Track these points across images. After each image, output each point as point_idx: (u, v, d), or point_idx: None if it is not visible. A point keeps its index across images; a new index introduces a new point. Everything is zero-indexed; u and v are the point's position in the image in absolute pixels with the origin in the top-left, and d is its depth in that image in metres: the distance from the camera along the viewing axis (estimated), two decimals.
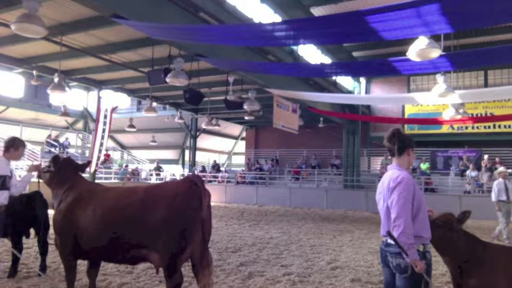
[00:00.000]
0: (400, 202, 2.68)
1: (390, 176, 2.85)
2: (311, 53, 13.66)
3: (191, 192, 3.69)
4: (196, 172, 22.13)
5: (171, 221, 3.55)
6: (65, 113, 16.38)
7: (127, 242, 3.65)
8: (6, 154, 4.60)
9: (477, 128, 17.89)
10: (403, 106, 19.36)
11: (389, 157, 3.03)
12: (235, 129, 28.21)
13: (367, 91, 20.15)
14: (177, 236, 3.55)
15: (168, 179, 21.24)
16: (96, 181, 14.02)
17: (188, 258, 3.74)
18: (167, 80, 9.54)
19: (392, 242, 2.74)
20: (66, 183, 4.22)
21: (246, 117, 16.01)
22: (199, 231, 3.68)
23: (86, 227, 3.80)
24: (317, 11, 12.09)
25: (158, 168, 22.61)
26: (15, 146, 4.62)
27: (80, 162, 4.88)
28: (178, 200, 3.64)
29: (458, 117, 12.40)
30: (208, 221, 3.83)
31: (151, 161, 24.57)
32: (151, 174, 22.46)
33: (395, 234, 2.65)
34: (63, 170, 4.34)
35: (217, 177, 21.68)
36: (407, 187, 2.73)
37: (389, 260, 2.78)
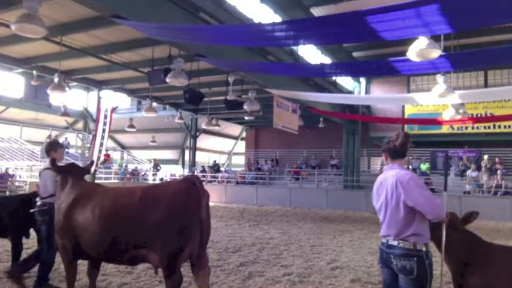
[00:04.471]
0: (424, 196, 2.74)
1: (396, 176, 2.84)
2: (311, 53, 13.65)
3: (190, 192, 3.68)
4: (196, 172, 22.15)
5: (169, 221, 3.55)
6: (65, 113, 16.35)
7: (126, 243, 3.65)
8: None
9: (477, 128, 17.87)
10: (403, 106, 19.34)
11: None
12: (235, 129, 28.21)
13: (367, 91, 20.12)
14: (175, 236, 3.54)
15: (167, 179, 21.24)
16: (96, 181, 14.02)
17: (187, 259, 3.74)
18: (167, 80, 9.53)
19: (395, 243, 2.76)
20: (67, 184, 4.25)
21: (246, 117, 16.00)
22: (198, 231, 3.68)
23: (85, 227, 3.81)
24: (317, 11, 12.08)
25: (156, 166, 22.62)
26: None
27: (80, 162, 4.89)
28: (177, 200, 3.64)
29: (458, 117, 12.40)
30: (207, 221, 3.83)
31: (151, 161, 24.59)
32: (151, 174, 22.47)
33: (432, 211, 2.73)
34: (68, 176, 4.37)
35: (217, 177, 21.67)
36: (418, 181, 2.83)
37: (393, 261, 2.78)
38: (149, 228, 3.57)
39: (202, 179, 21.02)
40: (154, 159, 23.35)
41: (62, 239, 4.02)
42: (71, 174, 4.34)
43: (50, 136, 21.41)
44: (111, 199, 3.83)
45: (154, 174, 22.25)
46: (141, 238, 3.61)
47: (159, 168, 22.84)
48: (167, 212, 3.57)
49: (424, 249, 2.72)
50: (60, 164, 4.64)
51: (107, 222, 3.71)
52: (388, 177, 2.90)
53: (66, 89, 11.36)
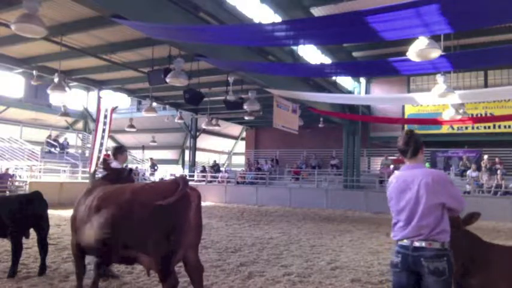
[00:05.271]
0: (458, 193, 2.86)
1: (428, 175, 2.78)
2: (311, 53, 13.65)
3: (179, 193, 3.64)
4: (196, 172, 22.15)
5: (158, 222, 3.52)
6: (65, 113, 16.38)
7: (116, 242, 3.67)
8: None
9: (477, 128, 17.86)
10: (403, 106, 19.31)
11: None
12: (235, 129, 28.20)
13: (367, 91, 20.11)
14: (166, 237, 3.50)
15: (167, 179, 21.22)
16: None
17: (180, 260, 3.73)
18: (167, 80, 9.54)
19: (423, 245, 2.70)
20: None
21: (246, 117, 16.01)
22: (190, 232, 3.67)
23: (80, 226, 3.96)
24: (317, 11, 12.08)
25: (153, 166, 22.61)
26: None
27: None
28: (165, 200, 3.60)
29: (458, 117, 12.40)
30: (198, 221, 3.80)
31: (148, 161, 24.60)
32: (149, 174, 22.46)
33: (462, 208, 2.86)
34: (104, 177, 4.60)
35: (217, 177, 21.68)
36: (449, 178, 2.89)
37: (424, 264, 2.68)
38: (137, 229, 3.57)
39: (202, 179, 21.33)
40: (151, 158, 23.36)
41: (72, 236, 4.23)
42: (107, 175, 4.54)
43: (50, 136, 21.40)
44: (102, 198, 3.87)
45: (151, 174, 22.25)
46: (129, 239, 3.62)
47: (156, 167, 22.84)
48: (155, 213, 3.52)
49: (448, 247, 2.72)
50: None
51: (97, 221, 3.76)
52: (414, 176, 2.81)
53: (66, 89, 11.37)
